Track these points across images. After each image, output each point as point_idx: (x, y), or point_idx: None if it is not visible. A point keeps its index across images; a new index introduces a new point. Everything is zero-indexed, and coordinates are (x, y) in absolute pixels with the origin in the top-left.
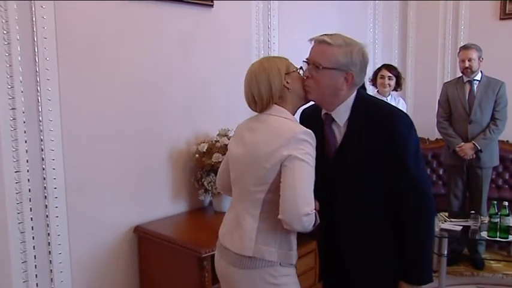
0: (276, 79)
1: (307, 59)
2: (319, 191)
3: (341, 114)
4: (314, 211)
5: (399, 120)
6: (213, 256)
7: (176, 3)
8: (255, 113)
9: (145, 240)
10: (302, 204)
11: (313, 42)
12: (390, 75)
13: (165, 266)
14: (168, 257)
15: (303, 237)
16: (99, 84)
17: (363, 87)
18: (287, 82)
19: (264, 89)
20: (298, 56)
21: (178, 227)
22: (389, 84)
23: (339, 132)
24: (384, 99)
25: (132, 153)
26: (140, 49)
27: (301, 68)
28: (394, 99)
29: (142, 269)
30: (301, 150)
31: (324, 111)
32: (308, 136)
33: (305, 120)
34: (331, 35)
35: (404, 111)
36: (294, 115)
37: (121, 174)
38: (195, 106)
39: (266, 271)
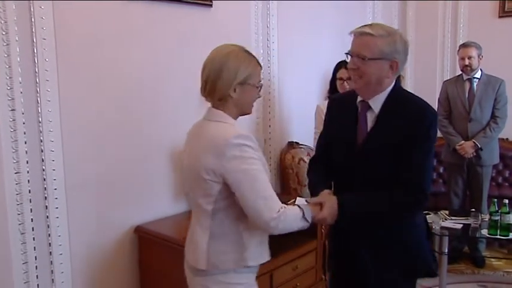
0: (226, 80)
1: (349, 51)
2: (340, 173)
3: (378, 102)
4: (282, 209)
5: (425, 119)
6: None
7: (174, 3)
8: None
9: (146, 241)
10: (263, 212)
11: (353, 35)
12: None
13: (165, 266)
14: (168, 257)
15: (303, 238)
16: (98, 84)
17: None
18: (234, 90)
19: (211, 79)
20: (297, 55)
21: (179, 227)
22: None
23: (371, 119)
24: None
25: (133, 153)
26: (139, 49)
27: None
28: None
29: (143, 269)
30: (240, 159)
31: (360, 99)
32: (243, 139)
33: (336, 106)
34: (370, 25)
35: None
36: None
37: (121, 175)
38: (195, 106)
39: (217, 278)
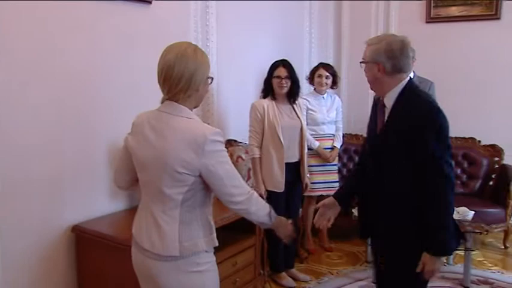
0: (199, 77)
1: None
2: (366, 160)
3: (389, 99)
4: (251, 191)
5: (425, 112)
6: None
7: (114, 0)
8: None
9: (84, 240)
10: (236, 196)
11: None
12: (327, 74)
13: (105, 265)
14: (108, 255)
15: (241, 233)
16: (37, 81)
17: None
18: (200, 85)
19: (186, 77)
20: (235, 54)
21: (119, 225)
22: (326, 83)
23: (387, 113)
24: (321, 97)
25: (69, 150)
26: (78, 46)
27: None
28: (330, 97)
29: (81, 269)
30: (217, 153)
31: (380, 97)
32: (218, 136)
33: (373, 105)
34: (376, 36)
35: (340, 108)
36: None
37: (57, 171)
38: (134, 103)
39: (191, 260)
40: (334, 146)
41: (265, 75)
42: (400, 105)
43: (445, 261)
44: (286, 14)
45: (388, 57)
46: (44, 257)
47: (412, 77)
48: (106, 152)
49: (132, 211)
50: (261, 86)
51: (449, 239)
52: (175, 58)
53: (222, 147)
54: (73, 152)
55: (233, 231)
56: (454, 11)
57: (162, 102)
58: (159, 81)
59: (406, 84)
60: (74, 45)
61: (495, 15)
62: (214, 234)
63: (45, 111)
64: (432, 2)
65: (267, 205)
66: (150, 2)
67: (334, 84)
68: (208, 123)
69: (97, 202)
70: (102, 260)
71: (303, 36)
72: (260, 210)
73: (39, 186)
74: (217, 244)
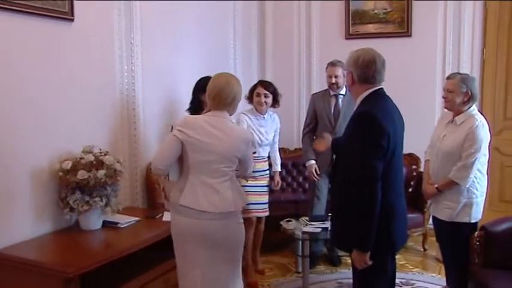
0: (238, 97)
1: None
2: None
3: (356, 105)
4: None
5: (356, 118)
6: (81, 275)
7: (34, 17)
8: None
9: (5, 268)
10: (250, 167)
11: None
12: (266, 92)
13: None
14: (32, 282)
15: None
16: None
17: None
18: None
19: (231, 97)
20: (161, 70)
21: (43, 249)
22: (266, 102)
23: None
24: (261, 117)
25: None
26: None
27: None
28: (270, 116)
29: None
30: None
31: None
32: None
33: None
34: (359, 49)
35: (278, 129)
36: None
37: None
38: (56, 124)
39: (237, 214)
40: (276, 171)
41: (191, 89)
42: (356, 110)
43: None
44: (211, 30)
45: (356, 68)
46: None
47: (345, 92)
48: (28, 175)
49: (58, 234)
50: (187, 102)
51: (364, 235)
52: (225, 84)
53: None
54: None
55: (162, 248)
56: (371, 28)
57: (207, 111)
58: (209, 97)
59: (370, 94)
60: None
61: (407, 33)
62: (245, 196)
63: None
64: (351, 20)
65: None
66: (73, 20)
67: (276, 102)
68: (135, 142)
69: (20, 227)
70: (26, 287)
71: (228, 52)
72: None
73: None
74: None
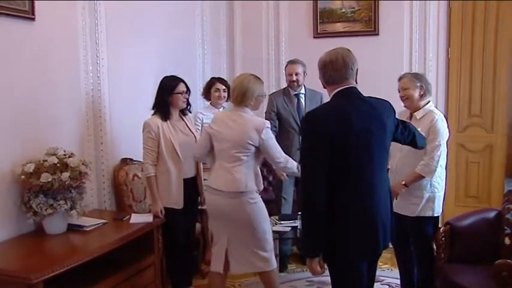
0: (253, 94)
1: None
2: None
3: None
4: (285, 158)
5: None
6: (45, 281)
7: None
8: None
9: None
10: (280, 158)
11: None
12: (224, 87)
13: None
14: None
15: (138, 253)
16: None
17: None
18: (252, 101)
19: (249, 94)
20: (127, 70)
21: (5, 255)
22: (224, 96)
23: None
24: (216, 110)
25: None
26: None
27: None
28: (224, 110)
29: None
30: (269, 134)
31: None
32: (268, 124)
33: None
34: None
35: None
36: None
37: None
38: (18, 126)
39: (249, 195)
40: None
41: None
42: None
43: None
44: (178, 30)
45: (319, 70)
46: None
47: (304, 90)
48: None
49: (20, 239)
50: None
51: (305, 238)
52: (242, 82)
53: (269, 129)
54: None
55: (130, 250)
56: (339, 27)
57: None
58: (232, 94)
59: (334, 94)
60: None
61: (374, 32)
62: (261, 182)
63: None
64: (319, 18)
65: (295, 162)
66: (34, 19)
67: (229, 97)
68: (102, 143)
69: None
70: None
71: (196, 51)
72: (294, 167)
73: None
74: (262, 188)
